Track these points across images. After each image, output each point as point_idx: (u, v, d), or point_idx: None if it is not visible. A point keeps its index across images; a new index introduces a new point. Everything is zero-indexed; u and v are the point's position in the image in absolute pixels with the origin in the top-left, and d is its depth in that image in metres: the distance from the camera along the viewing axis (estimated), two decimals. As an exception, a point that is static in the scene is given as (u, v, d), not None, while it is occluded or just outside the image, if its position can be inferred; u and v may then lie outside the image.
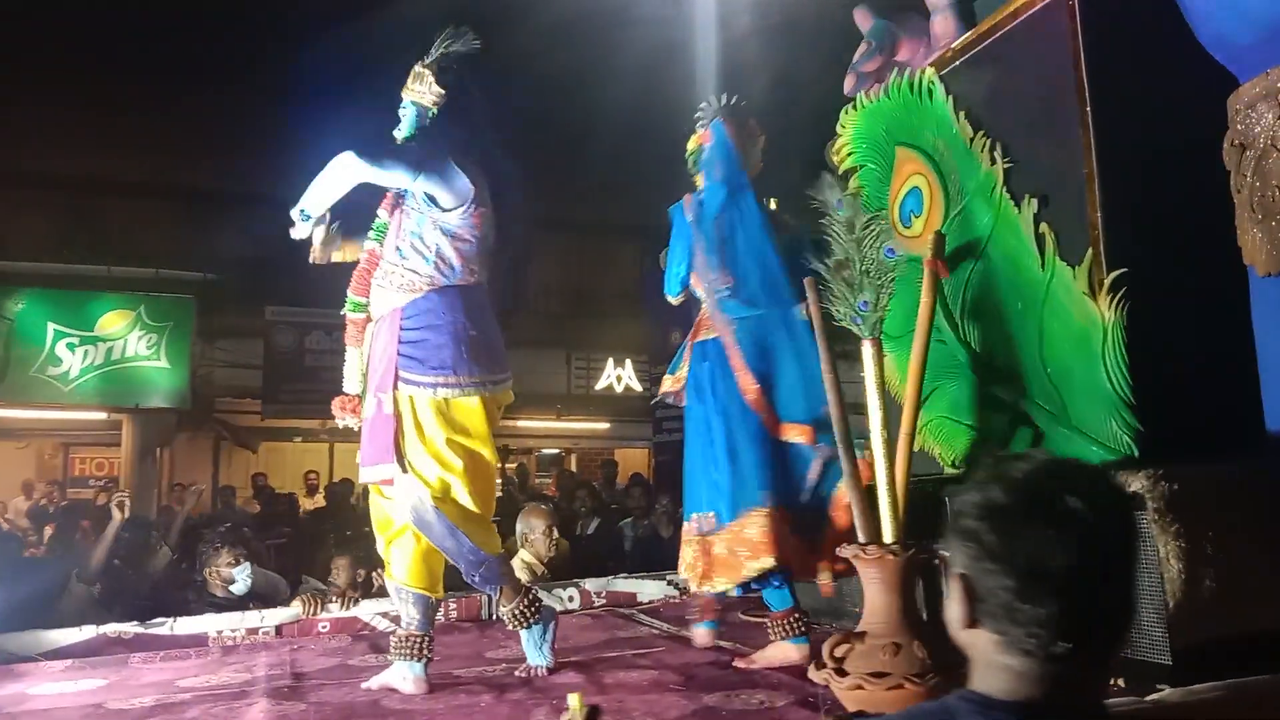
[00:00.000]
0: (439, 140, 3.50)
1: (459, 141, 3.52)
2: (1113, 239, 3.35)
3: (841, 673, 2.47)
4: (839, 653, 2.52)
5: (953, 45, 4.34)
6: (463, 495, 3.35)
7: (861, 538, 2.67)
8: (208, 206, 15.47)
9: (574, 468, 16.05)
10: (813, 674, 2.62)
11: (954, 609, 1.38)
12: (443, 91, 3.55)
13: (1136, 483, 2.76)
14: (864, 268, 2.60)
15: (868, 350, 2.68)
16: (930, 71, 4.02)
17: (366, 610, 4.64)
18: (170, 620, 4.35)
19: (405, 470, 3.31)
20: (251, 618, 4.48)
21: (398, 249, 3.47)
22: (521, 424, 16.09)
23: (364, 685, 3.39)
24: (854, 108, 4.49)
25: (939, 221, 3.95)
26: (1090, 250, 3.37)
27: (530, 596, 3.49)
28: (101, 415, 14.83)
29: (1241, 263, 3.26)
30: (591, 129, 15.20)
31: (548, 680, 3.36)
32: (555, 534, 5.46)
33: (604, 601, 4.97)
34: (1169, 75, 3.35)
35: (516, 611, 3.43)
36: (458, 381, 3.36)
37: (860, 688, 2.41)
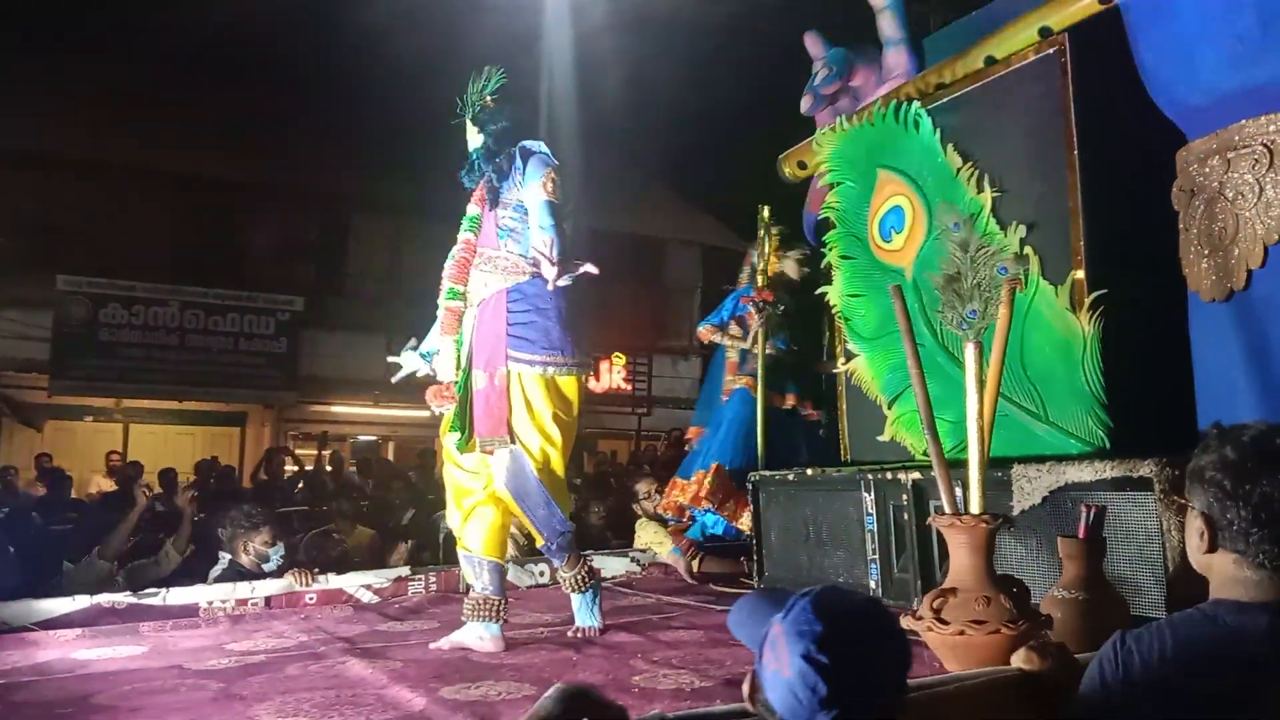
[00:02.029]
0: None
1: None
2: (1093, 264, 4.04)
3: (943, 621, 3.00)
4: (936, 605, 3.05)
5: (909, 83, 5.00)
6: (558, 467, 3.73)
7: (946, 509, 3.22)
8: (-5, 166, 14.66)
9: (391, 456, 16.03)
10: (909, 622, 3.13)
11: (1194, 540, 2.05)
12: (490, 130, 3.89)
13: (1145, 468, 3.43)
14: (976, 281, 3.13)
15: (970, 352, 3.21)
16: (917, 105, 4.62)
17: (351, 582, 4.86)
18: (163, 591, 4.45)
19: (513, 441, 3.64)
20: (242, 589, 4.62)
21: (499, 236, 3.79)
22: (336, 409, 16.00)
23: (433, 646, 3.68)
24: (831, 129, 5.05)
25: (921, 238, 4.58)
26: (1073, 272, 4.05)
27: (588, 565, 3.88)
28: None
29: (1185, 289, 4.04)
30: (430, 110, 15.29)
31: (609, 639, 3.76)
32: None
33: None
34: (1143, 129, 4.07)
35: (577, 577, 3.81)
36: (564, 361, 3.74)
37: (963, 633, 2.95)
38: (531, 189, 3.77)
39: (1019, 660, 2.46)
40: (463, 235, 3.94)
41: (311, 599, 4.73)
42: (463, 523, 3.84)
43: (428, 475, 13.04)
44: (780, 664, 1.56)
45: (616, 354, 16.78)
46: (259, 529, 4.79)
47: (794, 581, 4.77)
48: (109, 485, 12.81)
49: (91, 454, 15.52)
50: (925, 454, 4.58)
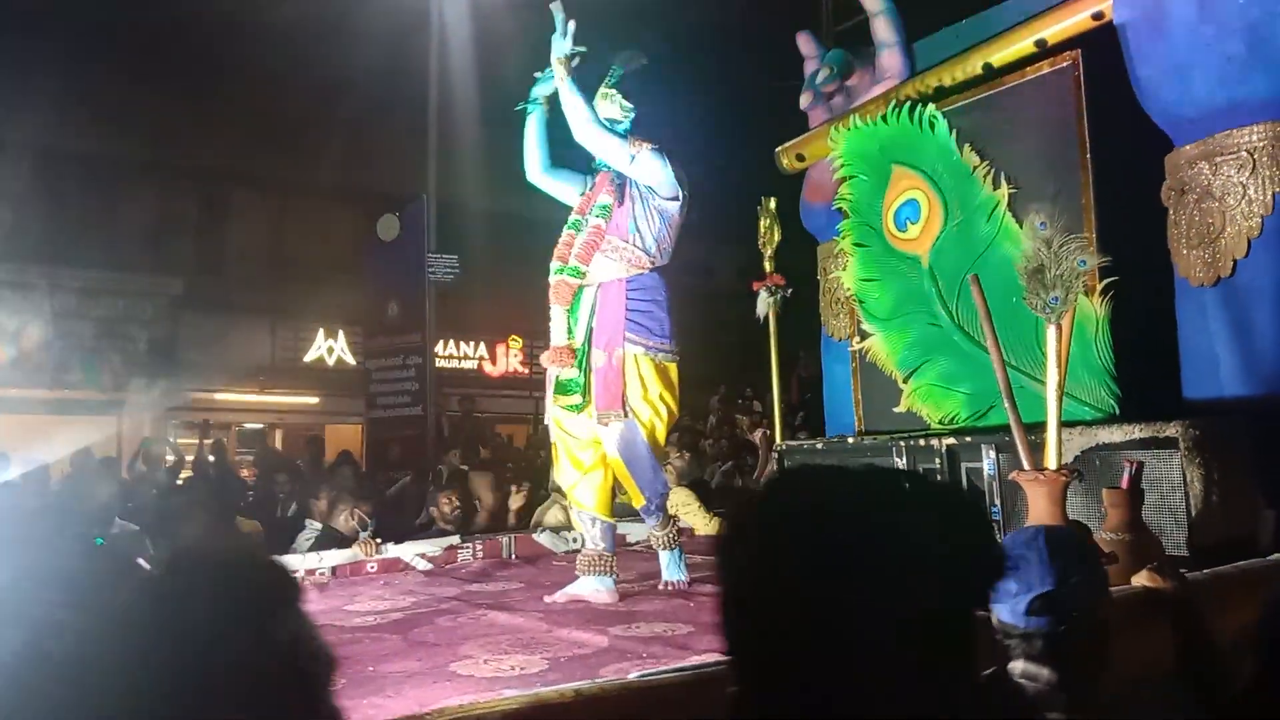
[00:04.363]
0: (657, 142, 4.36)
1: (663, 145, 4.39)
2: (1103, 253, 4.77)
3: (1031, 560, 3.66)
4: (1025, 546, 3.71)
5: (908, 84, 5.67)
6: (661, 438, 4.27)
7: (1026, 467, 3.87)
8: None
9: (279, 444, 16.07)
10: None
11: None
12: (631, 106, 4.38)
13: (1171, 429, 4.16)
14: (1059, 272, 3.77)
15: (1051, 333, 3.86)
16: (932, 107, 5.28)
17: (408, 552, 5.28)
18: (240, 564, 4.78)
19: (628, 415, 4.16)
20: (311, 559, 4.99)
21: (630, 228, 4.28)
22: (219, 397, 15.91)
23: (548, 599, 4.16)
24: (844, 127, 5.67)
25: (937, 229, 5.24)
26: (1085, 261, 4.77)
27: (676, 525, 4.43)
28: None
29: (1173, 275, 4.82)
30: (316, 82, 15.27)
31: (703, 589, 4.30)
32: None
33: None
34: (1140, 134, 4.82)
35: (668, 536, 4.36)
36: (673, 349, 4.28)
37: (1053, 569, 3.62)
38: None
39: (1142, 579, 3.12)
40: (593, 221, 4.39)
41: (373, 568, 5.13)
42: (578, 482, 4.34)
43: (316, 464, 13.14)
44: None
45: (513, 337, 17.22)
46: (363, 501, 5.20)
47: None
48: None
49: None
50: (940, 423, 5.27)
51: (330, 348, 16.30)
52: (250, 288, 16.02)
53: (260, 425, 16.46)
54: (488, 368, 17.33)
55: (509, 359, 17.39)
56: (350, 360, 16.17)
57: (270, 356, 16.15)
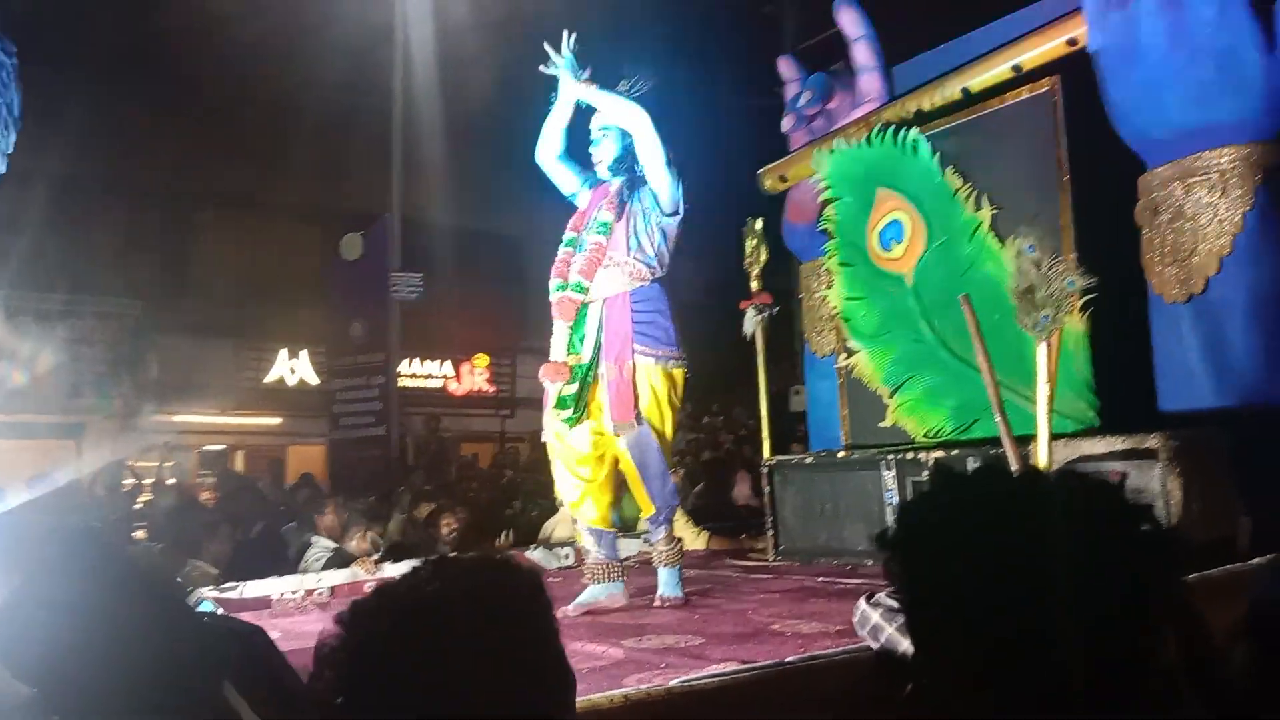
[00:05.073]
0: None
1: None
2: (1083, 272, 4.97)
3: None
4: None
5: (888, 108, 5.87)
6: (670, 445, 4.42)
7: (1019, 475, 4.06)
8: None
9: (241, 466, 16.02)
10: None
11: None
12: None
13: (1151, 441, 4.36)
14: (1049, 292, 3.95)
15: (1041, 350, 4.04)
16: (915, 131, 5.48)
17: (403, 570, 5.36)
18: (240, 585, 4.87)
19: (640, 424, 4.30)
20: (309, 580, 5.08)
21: (631, 243, 4.43)
22: (180, 419, 15.83)
23: (558, 612, 4.27)
24: (826, 149, 5.87)
25: (920, 249, 5.44)
26: (1065, 279, 4.97)
27: (680, 541, 4.57)
28: None
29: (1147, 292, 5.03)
30: (282, 100, 15.24)
31: (704, 603, 4.44)
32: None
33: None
34: (1114, 156, 5.03)
35: (672, 551, 4.49)
36: (679, 356, 4.44)
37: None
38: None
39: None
40: (593, 238, 4.52)
41: (369, 588, 5.21)
42: (579, 497, 4.47)
43: (277, 485, 13.10)
44: None
45: (479, 355, 17.26)
46: (376, 522, 5.31)
47: (812, 552, 5.56)
48: None
49: None
50: (926, 436, 5.45)
51: (292, 368, 16.28)
52: (212, 308, 15.97)
53: (222, 447, 16.38)
54: (453, 386, 17.36)
55: (474, 377, 17.42)
56: (313, 380, 16.14)
57: (232, 377, 16.10)
